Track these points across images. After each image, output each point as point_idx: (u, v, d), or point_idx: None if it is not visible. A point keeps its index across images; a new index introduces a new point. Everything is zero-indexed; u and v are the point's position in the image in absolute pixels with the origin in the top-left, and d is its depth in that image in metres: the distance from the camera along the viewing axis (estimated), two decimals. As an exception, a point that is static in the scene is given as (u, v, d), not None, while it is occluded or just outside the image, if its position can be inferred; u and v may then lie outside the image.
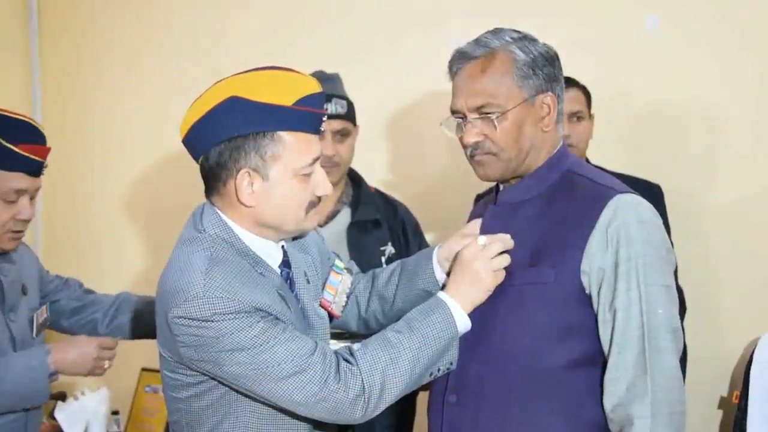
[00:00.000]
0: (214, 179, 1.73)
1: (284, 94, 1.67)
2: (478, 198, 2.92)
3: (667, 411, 1.67)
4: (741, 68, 2.84)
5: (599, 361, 1.73)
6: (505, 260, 1.76)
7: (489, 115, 1.75)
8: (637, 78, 2.96)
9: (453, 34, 3.01)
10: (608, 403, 1.70)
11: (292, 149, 1.68)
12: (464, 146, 1.81)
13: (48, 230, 3.90)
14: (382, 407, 1.68)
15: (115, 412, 3.36)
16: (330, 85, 2.54)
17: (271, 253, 1.78)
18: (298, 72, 1.73)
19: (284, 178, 1.69)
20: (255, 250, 1.75)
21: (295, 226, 1.76)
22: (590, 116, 2.81)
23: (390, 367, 1.65)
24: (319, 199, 1.76)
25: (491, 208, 1.87)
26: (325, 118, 1.75)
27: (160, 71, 3.66)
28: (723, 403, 2.85)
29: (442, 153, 3.14)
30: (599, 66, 2.94)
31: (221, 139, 1.68)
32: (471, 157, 1.82)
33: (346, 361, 1.67)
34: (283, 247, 1.83)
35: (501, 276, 1.76)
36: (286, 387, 1.62)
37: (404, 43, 3.22)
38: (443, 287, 1.83)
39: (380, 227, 2.59)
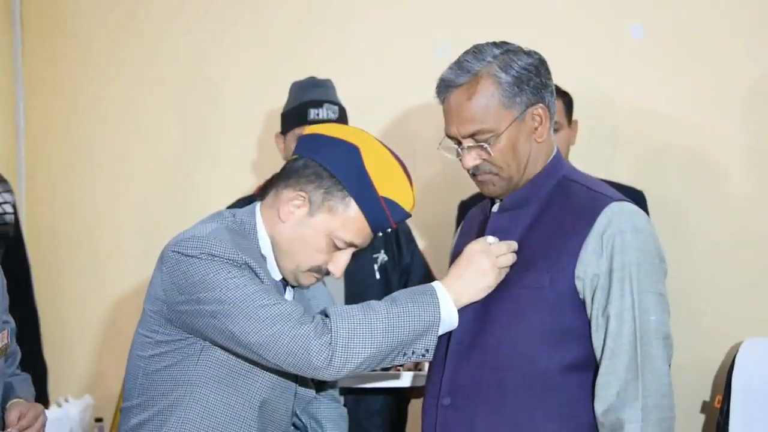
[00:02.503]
0: (283, 178, 1.81)
1: (386, 185, 1.76)
2: (462, 205, 2.93)
3: (657, 417, 1.69)
4: (723, 75, 2.88)
5: (593, 366, 1.75)
6: (511, 259, 1.77)
7: (482, 143, 1.76)
8: (619, 85, 2.99)
9: (442, 42, 3.05)
10: (599, 407, 1.72)
11: (346, 219, 1.76)
12: (465, 168, 1.83)
13: (30, 232, 3.86)
14: (350, 365, 1.67)
15: (98, 420, 3.34)
16: (322, 91, 2.55)
17: (275, 267, 1.83)
18: (412, 187, 1.81)
19: (319, 230, 1.77)
20: (265, 255, 1.81)
21: (290, 270, 1.81)
22: (570, 125, 2.82)
23: (362, 324, 1.67)
24: (327, 273, 1.82)
25: (494, 216, 1.87)
26: (389, 230, 1.84)
27: (144, 72, 3.65)
28: (705, 407, 2.88)
29: (432, 159, 3.15)
30: (582, 73, 2.97)
31: (319, 159, 1.76)
32: (473, 176, 1.83)
33: (322, 315, 1.71)
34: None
35: (503, 274, 1.77)
36: (258, 318, 1.66)
37: (395, 49, 3.23)
38: None
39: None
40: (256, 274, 1.72)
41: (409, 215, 1.81)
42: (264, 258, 1.80)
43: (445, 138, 1.85)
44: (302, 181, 1.77)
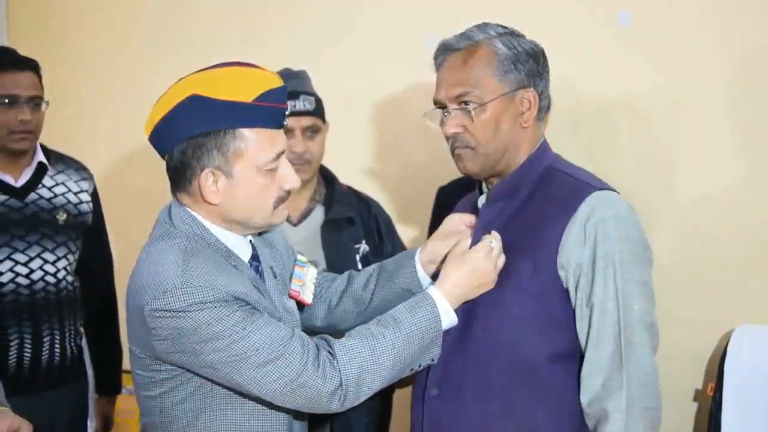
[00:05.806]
0: (179, 177, 1.73)
1: (244, 90, 1.67)
2: (440, 191, 2.91)
3: (641, 406, 1.69)
4: (701, 66, 2.84)
5: (578, 355, 1.75)
6: (504, 258, 1.78)
7: (467, 106, 1.77)
8: (592, 74, 2.97)
9: (427, 29, 3.02)
10: (584, 397, 1.72)
11: (254, 146, 1.69)
12: (446, 138, 1.84)
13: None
14: (361, 399, 1.68)
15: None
16: (297, 82, 2.52)
17: (241, 248, 1.79)
18: (258, 67, 1.73)
19: (248, 175, 1.70)
20: (226, 244, 1.76)
21: (262, 221, 1.77)
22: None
23: (370, 362, 1.65)
24: (288, 193, 1.77)
25: (484, 208, 1.88)
26: (287, 112, 1.74)
27: (135, 63, 3.63)
28: (698, 395, 2.87)
29: (416, 150, 3.14)
30: (572, 60, 2.95)
31: (183, 137, 1.68)
32: (452, 151, 1.83)
33: (328, 352, 1.66)
34: (251, 242, 1.85)
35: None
36: (264, 373, 1.62)
37: (378, 38, 3.21)
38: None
39: (354, 225, 2.57)
40: (246, 302, 1.65)
41: (284, 86, 1.72)
42: (232, 251, 1.75)
43: (432, 110, 1.86)
44: (194, 164, 1.68)
